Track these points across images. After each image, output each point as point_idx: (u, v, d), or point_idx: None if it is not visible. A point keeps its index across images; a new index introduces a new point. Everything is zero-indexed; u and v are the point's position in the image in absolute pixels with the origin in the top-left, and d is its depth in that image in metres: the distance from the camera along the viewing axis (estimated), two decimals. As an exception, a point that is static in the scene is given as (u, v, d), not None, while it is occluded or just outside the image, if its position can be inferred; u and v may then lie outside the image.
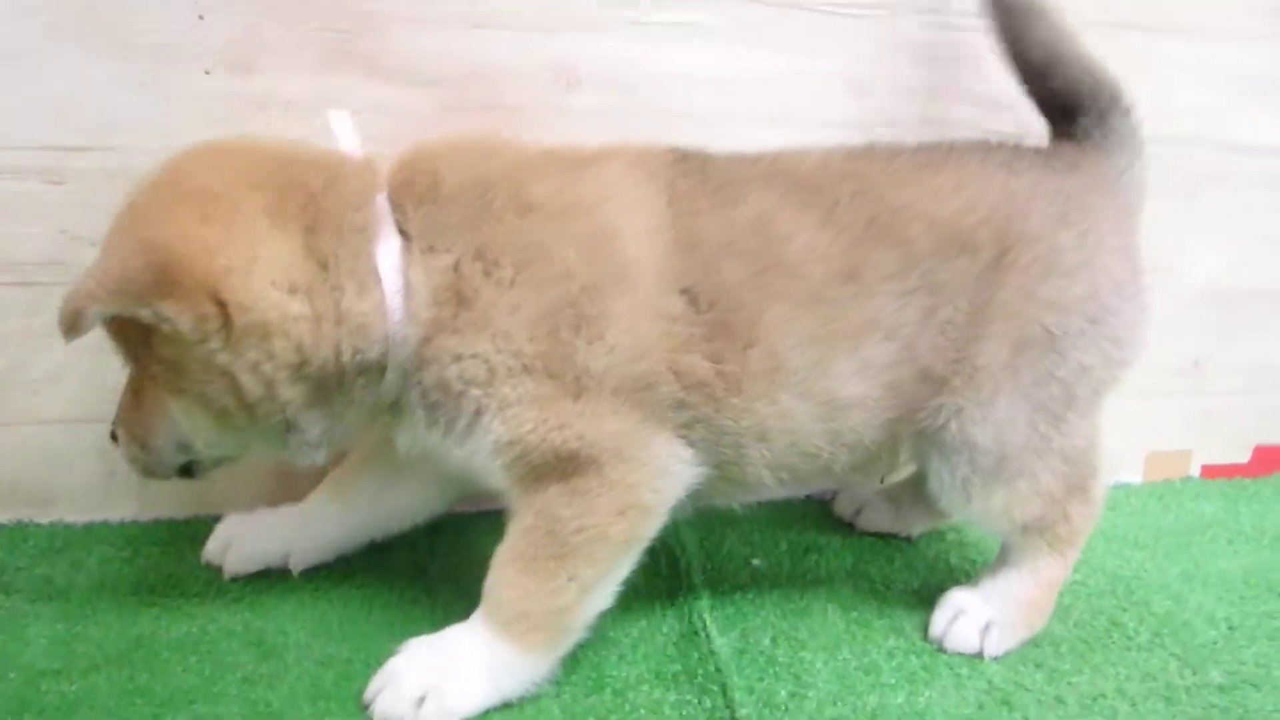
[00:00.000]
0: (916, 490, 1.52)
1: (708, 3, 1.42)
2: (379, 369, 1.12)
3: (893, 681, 1.22)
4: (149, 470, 1.19)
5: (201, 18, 1.32)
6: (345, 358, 1.10)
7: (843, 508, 1.60)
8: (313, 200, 1.09)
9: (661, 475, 1.14)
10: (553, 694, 1.16)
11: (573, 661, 1.21)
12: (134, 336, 1.09)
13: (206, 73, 1.34)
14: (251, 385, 1.08)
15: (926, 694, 1.20)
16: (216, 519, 1.46)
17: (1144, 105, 1.31)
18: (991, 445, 1.21)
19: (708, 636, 1.28)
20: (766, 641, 1.28)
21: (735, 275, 1.14)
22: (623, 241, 1.12)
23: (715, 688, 1.18)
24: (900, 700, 1.18)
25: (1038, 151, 1.30)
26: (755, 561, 1.48)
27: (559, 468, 1.11)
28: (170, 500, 1.51)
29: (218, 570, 1.37)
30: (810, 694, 1.18)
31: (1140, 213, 1.32)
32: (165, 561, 1.40)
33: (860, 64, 1.48)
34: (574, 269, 1.10)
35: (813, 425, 1.19)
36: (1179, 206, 1.62)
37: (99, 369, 1.33)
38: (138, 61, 1.31)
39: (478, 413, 1.11)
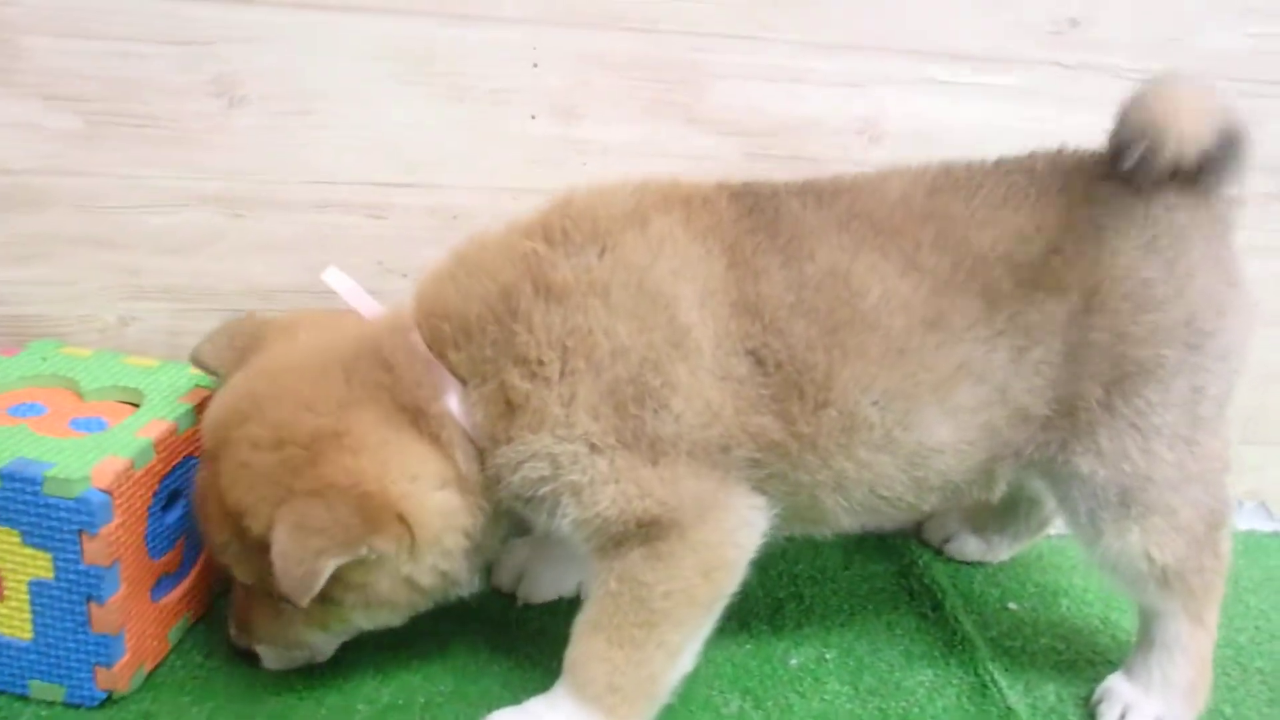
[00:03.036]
0: (1001, 518, 1.57)
1: (1011, 66, 1.43)
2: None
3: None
4: (309, 658, 1.22)
5: (536, 66, 1.33)
6: (489, 516, 1.13)
7: (931, 535, 1.63)
8: (395, 388, 1.09)
9: (742, 529, 1.13)
10: (871, 746, 1.22)
11: (879, 710, 1.27)
12: None
13: (533, 118, 1.35)
14: (430, 580, 1.13)
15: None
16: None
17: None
18: (1106, 475, 1.19)
19: (1000, 692, 1.32)
20: (1053, 698, 1.33)
21: (805, 335, 1.10)
22: (677, 308, 1.08)
23: (1034, 751, 1.23)
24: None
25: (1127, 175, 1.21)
26: (1011, 605, 1.53)
27: (640, 534, 1.09)
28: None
29: (506, 596, 1.43)
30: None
31: (1233, 220, 1.25)
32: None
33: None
34: (627, 343, 1.06)
35: (896, 474, 1.17)
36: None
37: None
38: (474, 105, 1.33)
39: (555, 504, 1.10)
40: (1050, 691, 1.34)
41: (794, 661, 1.36)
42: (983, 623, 1.47)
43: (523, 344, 1.07)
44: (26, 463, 1.07)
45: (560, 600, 1.42)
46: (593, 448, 1.07)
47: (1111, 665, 1.40)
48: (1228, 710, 1.34)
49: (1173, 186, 1.17)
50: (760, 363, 1.10)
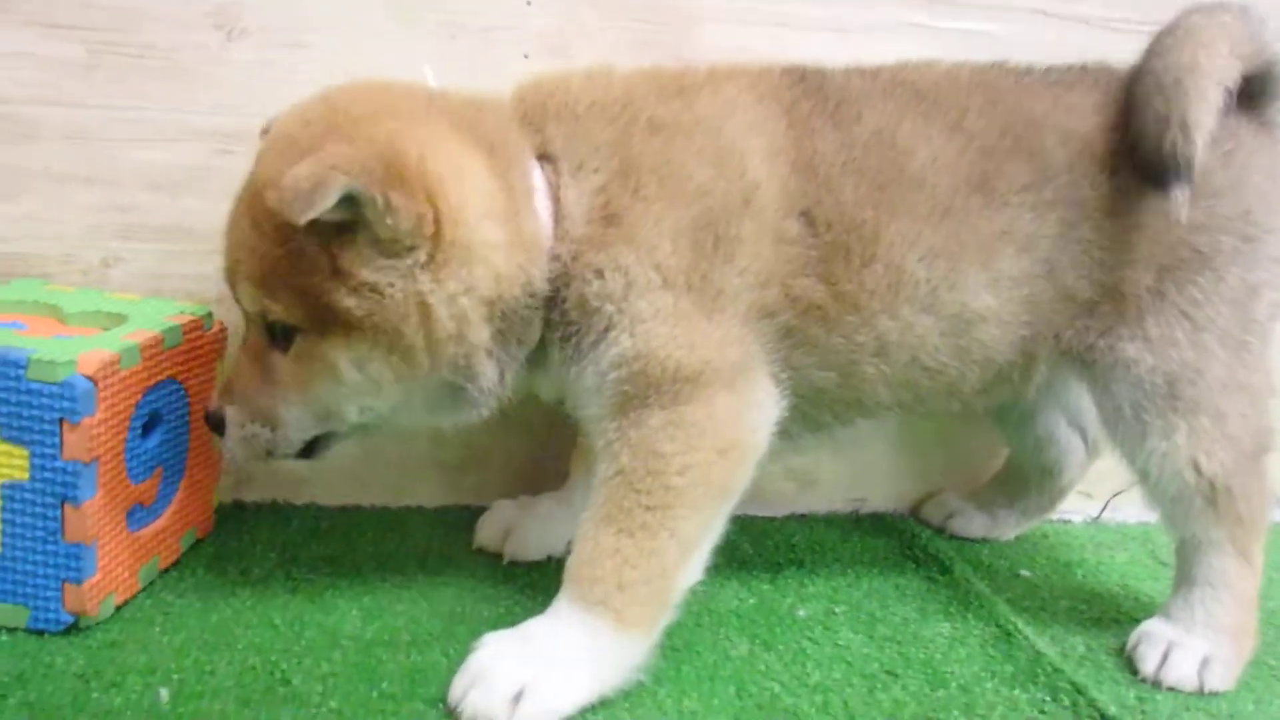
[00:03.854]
0: (1010, 492, 1.52)
1: (996, 13, 1.47)
2: (540, 299, 1.07)
3: (1236, 692, 1.20)
4: (272, 451, 1.10)
5: (529, 4, 1.35)
6: (532, 288, 1.05)
7: (931, 514, 1.58)
8: (478, 126, 1.06)
9: (759, 410, 1.10)
10: (898, 689, 1.14)
11: (900, 657, 1.20)
12: (323, 267, 0.99)
13: (526, 56, 1.36)
14: (445, 319, 1.01)
15: (1275, 703, 1.18)
16: (466, 507, 1.45)
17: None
18: (1154, 363, 1.16)
19: (1026, 638, 1.26)
20: (1083, 649, 1.26)
21: (854, 194, 1.11)
22: (747, 162, 1.10)
23: (1066, 686, 1.16)
24: (1250, 708, 1.17)
25: None
26: (1024, 572, 1.47)
27: (670, 392, 1.05)
28: (425, 489, 1.49)
29: (492, 555, 1.35)
30: (1158, 696, 1.17)
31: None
32: (436, 545, 1.38)
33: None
34: (708, 187, 1.08)
35: (938, 340, 1.16)
36: None
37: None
38: (466, 42, 1.34)
39: (607, 329, 1.06)
40: (1079, 642, 1.28)
41: (802, 613, 1.29)
42: (996, 586, 1.41)
43: (629, 154, 1.06)
44: (9, 349, 1.01)
45: (550, 559, 1.35)
46: (665, 282, 1.05)
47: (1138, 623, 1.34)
48: (1272, 662, 1.27)
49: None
50: (811, 223, 1.10)
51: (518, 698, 0.98)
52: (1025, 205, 1.14)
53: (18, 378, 1.00)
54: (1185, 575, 1.24)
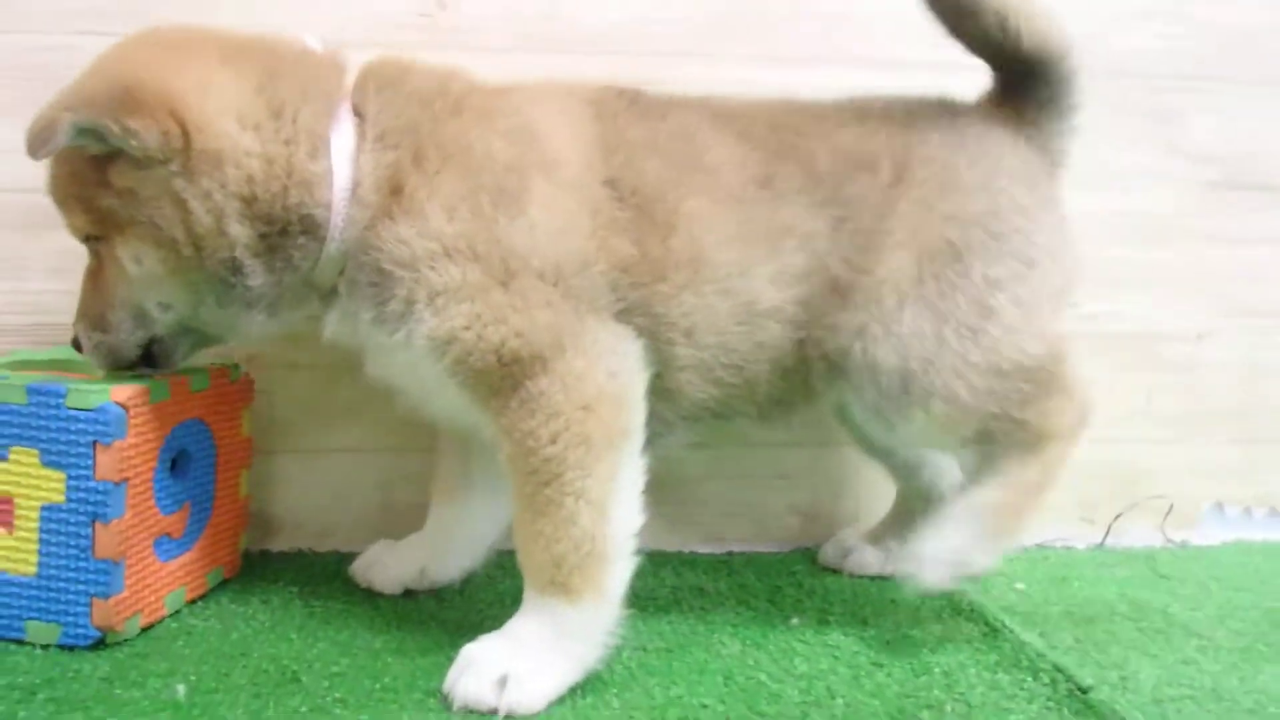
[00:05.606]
0: (899, 526, 1.54)
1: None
2: (319, 238, 1.15)
3: (1218, 668, 1.22)
4: (114, 354, 1.21)
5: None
6: (291, 205, 1.13)
7: (829, 556, 1.58)
8: (275, 57, 1.17)
9: (610, 357, 1.13)
10: (882, 675, 1.18)
11: (887, 651, 1.25)
12: (91, 179, 1.12)
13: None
14: (202, 215, 1.11)
15: (1258, 678, 1.20)
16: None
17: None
18: (895, 364, 1.23)
19: (1012, 632, 1.29)
20: (1070, 640, 1.29)
21: (656, 171, 1.21)
22: (548, 139, 1.19)
23: (1048, 667, 1.19)
24: (1234, 683, 1.18)
25: (948, 102, 1.36)
26: (1019, 585, 1.50)
27: (507, 374, 1.11)
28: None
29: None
30: (1143, 675, 1.19)
31: (1056, 150, 1.35)
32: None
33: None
34: (497, 154, 1.15)
35: (736, 329, 1.23)
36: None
37: (390, 404, 1.35)
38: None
39: (409, 300, 1.12)
40: (1068, 635, 1.31)
41: (795, 621, 1.34)
42: (990, 596, 1.44)
43: (424, 136, 1.15)
44: (51, 383, 1.15)
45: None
46: (446, 251, 1.11)
47: (1136, 622, 1.37)
48: (1262, 647, 1.30)
49: (983, 103, 1.34)
50: (616, 189, 1.19)
51: (503, 681, 1.06)
52: (801, 204, 1.24)
53: (58, 406, 1.13)
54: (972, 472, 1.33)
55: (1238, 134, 1.74)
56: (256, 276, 1.15)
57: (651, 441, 1.19)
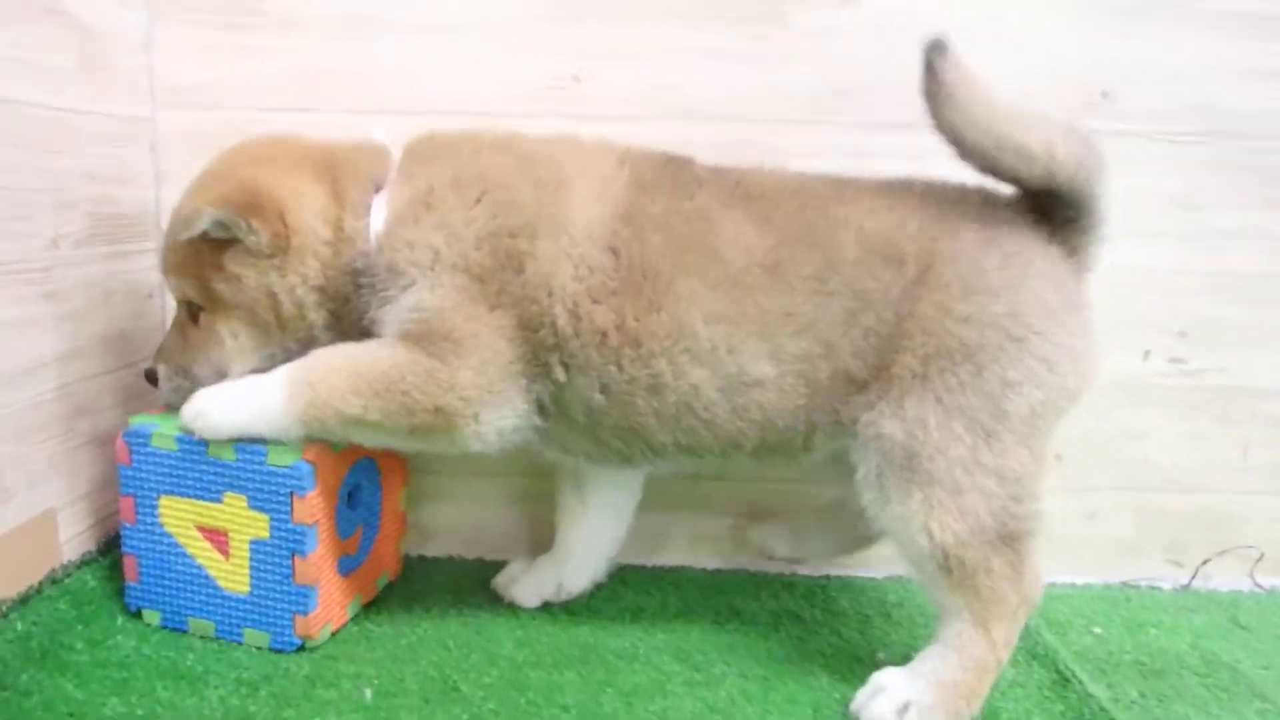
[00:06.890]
0: (821, 521, 1.66)
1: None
2: (371, 288, 1.37)
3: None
4: (187, 396, 1.40)
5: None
6: (345, 263, 1.38)
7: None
8: (335, 163, 1.42)
9: (491, 407, 1.32)
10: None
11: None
12: (209, 263, 1.38)
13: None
14: (289, 305, 1.38)
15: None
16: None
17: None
18: (901, 439, 1.27)
19: (1080, 683, 1.42)
20: (1135, 694, 1.42)
21: (658, 248, 1.32)
22: (571, 193, 1.34)
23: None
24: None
25: (988, 194, 1.36)
26: (1096, 630, 1.62)
27: (435, 345, 1.30)
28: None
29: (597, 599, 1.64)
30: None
31: (1087, 256, 1.36)
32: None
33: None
34: (525, 204, 1.33)
35: (714, 394, 1.32)
36: None
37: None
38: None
39: (409, 286, 1.33)
40: (1133, 689, 1.43)
41: (881, 656, 1.50)
42: (1065, 640, 1.57)
43: (462, 166, 1.38)
44: (256, 445, 1.39)
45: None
46: (465, 267, 1.32)
47: (1200, 681, 1.48)
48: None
49: (1020, 205, 1.34)
50: (616, 257, 1.32)
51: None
52: (809, 291, 1.30)
53: (260, 463, 1.38)
54: (934, 634, 1.35)
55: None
56: (328, 336, 1.43)
57: (632, 462, 1.42)
